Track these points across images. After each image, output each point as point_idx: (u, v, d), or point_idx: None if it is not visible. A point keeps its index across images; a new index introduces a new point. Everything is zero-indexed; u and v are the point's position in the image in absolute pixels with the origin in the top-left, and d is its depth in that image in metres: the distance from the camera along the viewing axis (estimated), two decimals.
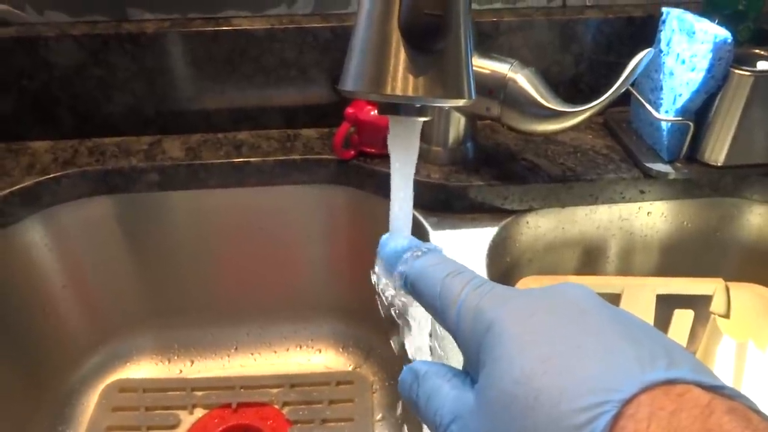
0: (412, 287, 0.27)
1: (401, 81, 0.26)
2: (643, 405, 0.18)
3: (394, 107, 0.28)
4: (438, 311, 0.26)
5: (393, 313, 0.32)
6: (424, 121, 0.29)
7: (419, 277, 0.27)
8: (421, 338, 0.33)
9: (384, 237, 0.31)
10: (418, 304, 0.28)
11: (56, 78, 0.65)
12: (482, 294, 0.24)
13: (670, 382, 0.19)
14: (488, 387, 0.21)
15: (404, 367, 0.27)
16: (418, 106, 0.28)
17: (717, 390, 0.19)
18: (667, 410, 0.18)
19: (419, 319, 0.31)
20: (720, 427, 0.17)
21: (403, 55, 0.26)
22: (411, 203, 0.31)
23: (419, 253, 0.28)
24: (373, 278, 0.31)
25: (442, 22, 0.26)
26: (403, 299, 0.31)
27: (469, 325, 0.23)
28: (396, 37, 0.26)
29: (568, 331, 0.21)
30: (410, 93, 0.26)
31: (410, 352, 0.33)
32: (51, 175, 0.63)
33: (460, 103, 0.28)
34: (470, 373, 0.24)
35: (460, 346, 0.25)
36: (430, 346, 0.34)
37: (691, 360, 0.20)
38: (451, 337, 0.25)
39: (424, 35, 0.26)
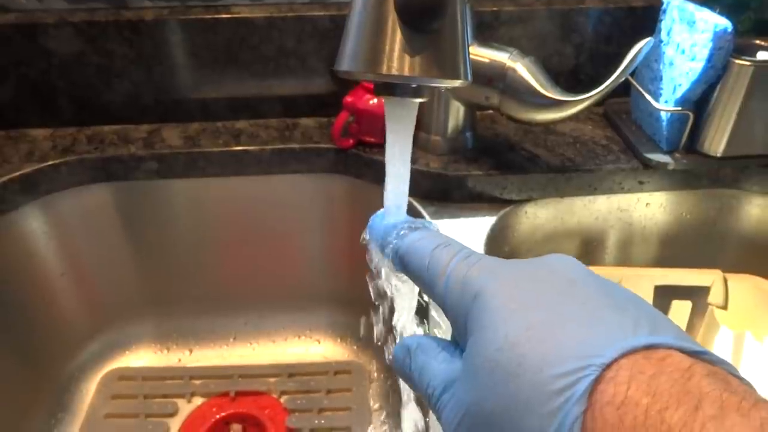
0: (401, 261, 0.28)
1: (397, 61, 0.26)
2: (623, 369, 0.18)
3: (390, 88, 0.28)
4: (426, 283, 0.26)
5: (384, 287, 0.32)
6: (420, 104, 0.29)
7: (408, 250, 0.27)
8: (409, 314, 0.33)
9: (376, 214, 0.31)
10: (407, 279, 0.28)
11: (55, 65, 0.65)
12: (470, 264, 0.24)
13: (652, 347, 0.19)
14: (474, 355, 0.22)
15: (396, 343, 0.28)
16: (414, 86, 0.28)
17: (699, 355, 0.19)
18: (647, 374, 0.18)
19: (408, 295, 0.32)
20: (699, 389, 0.17)
21: (399, 35, 0.26)
22: (407, 181, 0.31)
23: (410, 229, 0.28)
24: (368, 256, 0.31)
25: (438, 1, 0.26)
26: (393, 276, 0.31)
27: (456, 295, 0.24)
28: (392, 16, 0.26)
29: (553, 300, 0.21)
30: (406, 73, 0.26)
31: (399, 328, 0.33)
32: (50, 163, 0.63)
33: (456, 83, 0.27)
34: (459, 343, 0.25)
35: (448, 316, 0.25)
36: (422, 320, 0.34)
37: (674, 328, 0.20)
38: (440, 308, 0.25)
39: (420, 14, 0.26)
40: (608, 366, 0.18)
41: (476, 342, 0.22)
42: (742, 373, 0.19)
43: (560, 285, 0.22)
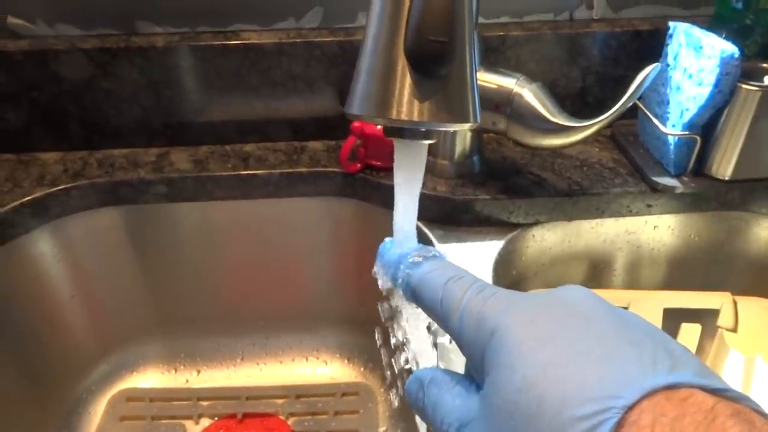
0: (413, 294, 0.28)
1: (407, 105, 0.26)
2: (646, 411, 0.18)
3: (399, 131, 0.28)
4: (440, 317, 0.26)
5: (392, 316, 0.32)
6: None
7: (420, 284, 0.27)
8: (419, 344, 0.33)
9: (385, 242, 0.31)
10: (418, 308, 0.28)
11: (66, 90, 0.65)
12: (484, 299, 0.24)
13: (673, 387, 0.19)
14: (492, 394, 0.21)
15: (410, 376, 0.27)
16: (424, 130, 0.28)
17: (721, 393, 0.19)
18: (670, 416, 0.18)
19: (417, 326, 0.32)
20: (724, 431, 0.17)
21: (408, 80, 0.26)
22: (416, 212, 0.31)
23: (420, 259, 0.28)
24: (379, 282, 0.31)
25: (447, 47, 0.26)
26: (401, 305, 0.31)
27: (472, 332, 0.24)
28: (402, 62, 0.26)
29: (570, 336, 0.21)
30: (415, 118, 0.26)
31: (409, 359, 0.33)
32: (60, 187, 0.64)
33: (465, 126, 0.28)
34: (475, 379, 0.25)
35: (463, 351, 0.25)
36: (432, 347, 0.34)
37: (694, 363, 0.20)
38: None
39: (429, 61, 0.26)
40: (630, 408, 0.18)
41: (494, 381, 0.22)
42: (754, 398, 0.19)
43: (576, 320, 0.22)
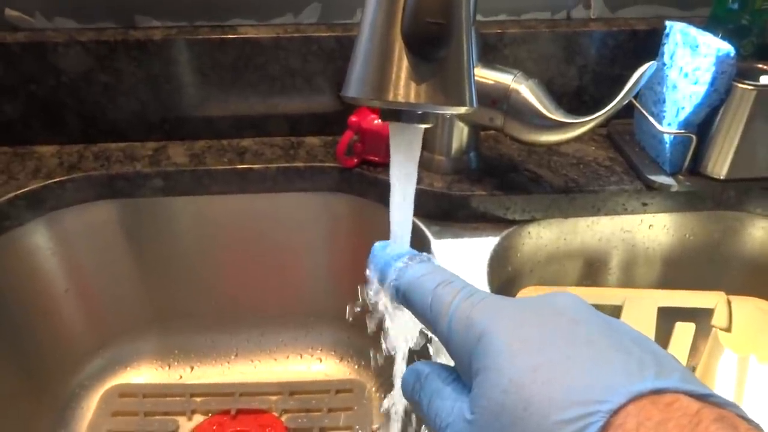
0: (403, 298, 0.28)
1: (403, 88, 0.26)
2: (631, 415, 0.18)
3: (396, 113, 0.28)
4: (429, 322, 0.26)
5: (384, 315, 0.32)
6: (426, 128, 0.29)
7: (410, 288, 0.27)
8: (406, 344, 0.33)
9: (376, 244, 0.31)
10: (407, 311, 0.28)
11: (64, 83, 0.65)
12: (473, 304, 0.24)
13: (659, 392, 0.19)
14: (480, 396, 0.22)
15: (407, 368, 0.28)
16: (420, 113, 0.28)
17: (706, 398, 0.19)
18: (655, 420, 0.18)
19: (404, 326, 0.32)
20: None
21: (405, 63, 0.26)
22: (411, 211, 0.31)
23: (410, 263, 0.28)
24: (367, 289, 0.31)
25: (445, 30, 0.26)
26: (390, 307, 0.31)
27: (460, 336, 0.24)
28: (399, 44, 0.26)
29: (557, 341, 0.21)
30: (412, 100, 0.26)
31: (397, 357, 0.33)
32: (56, 179, 0.64)
33: (461, 110, 0.28)
34: (464, 381, 0.25)
35: (452, 356, 0.25)
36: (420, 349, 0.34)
37: (680, 369, 0.20)
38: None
39: (426, 43, 0.26)
40: (616, 412, 0.18)
41: (481, 384, 0.22)
42: (748, 397, 0.19)
43: (564, 325, 0.22)
